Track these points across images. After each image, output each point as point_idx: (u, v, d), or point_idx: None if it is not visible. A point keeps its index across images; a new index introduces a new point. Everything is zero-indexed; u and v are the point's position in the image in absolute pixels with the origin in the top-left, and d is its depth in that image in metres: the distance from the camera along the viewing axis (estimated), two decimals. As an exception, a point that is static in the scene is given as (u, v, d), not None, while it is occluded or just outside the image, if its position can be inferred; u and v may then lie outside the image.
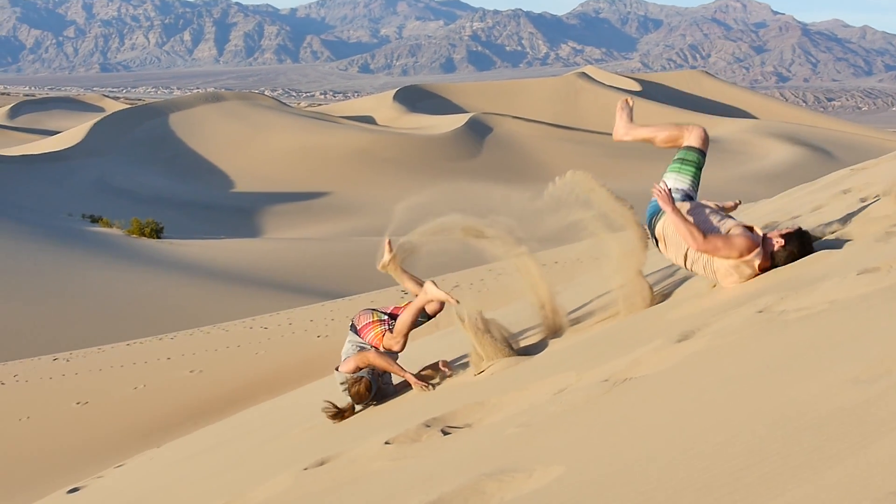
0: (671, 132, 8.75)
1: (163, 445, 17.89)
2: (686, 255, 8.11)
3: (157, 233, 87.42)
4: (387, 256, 10.46)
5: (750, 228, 8.01)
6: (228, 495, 7.86)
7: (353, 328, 10.11)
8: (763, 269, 7.90)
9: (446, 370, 9.51)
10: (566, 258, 36.11)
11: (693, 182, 8.39)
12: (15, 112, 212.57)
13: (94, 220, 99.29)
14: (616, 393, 6.31)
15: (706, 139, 8.53)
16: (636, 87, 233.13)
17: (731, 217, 8.26)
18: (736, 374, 5.53)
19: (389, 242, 10.34)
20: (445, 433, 7.23)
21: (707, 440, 4.47)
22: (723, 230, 7.94)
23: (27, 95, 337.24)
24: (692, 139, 8.49)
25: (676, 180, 8.36)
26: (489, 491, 5.10)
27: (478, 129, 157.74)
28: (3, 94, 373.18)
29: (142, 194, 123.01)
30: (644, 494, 4.06)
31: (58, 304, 60.25)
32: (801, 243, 7.84)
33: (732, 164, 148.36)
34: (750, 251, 7.83)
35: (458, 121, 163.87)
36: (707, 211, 8.19)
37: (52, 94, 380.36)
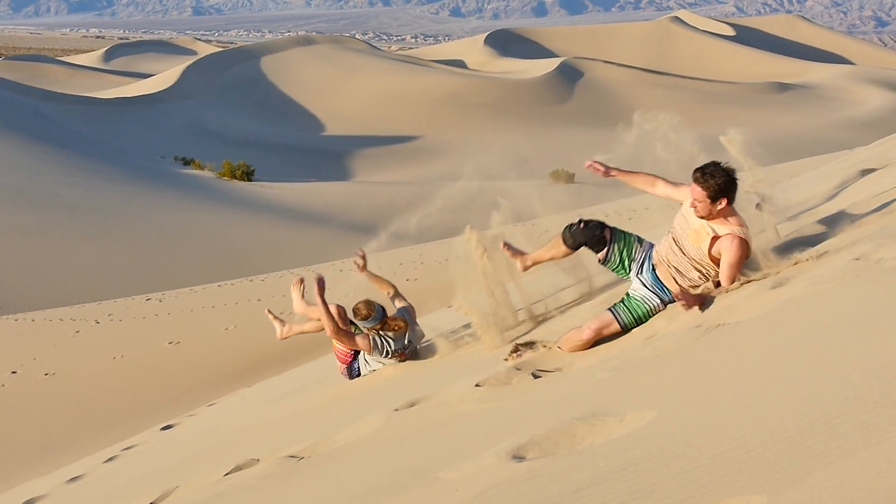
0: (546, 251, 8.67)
1: (253, 385, 18.10)
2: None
3: (247, 175, 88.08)
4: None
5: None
6: (318, 435, 7.93)
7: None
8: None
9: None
10: (638, 207, 35.88)
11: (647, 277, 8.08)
12: (109, 55, 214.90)
13: (186, 162, 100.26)
14: (708, 339, 6.25)
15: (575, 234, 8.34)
16: (730, 31, 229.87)
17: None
18: (831, 322, 5.46)
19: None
20: (536, 377, 7.23)
21: (801, 387, 4.42)
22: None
23: (121, 39, 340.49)
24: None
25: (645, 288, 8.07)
26: (580, 434, 5.10)
27: (569, 74, 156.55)
28: (98, 37, 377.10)
29: (233, 137, 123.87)
30: (737, 441, 4.04)
31: (150, 245, 61.03)
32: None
33: (828, 110, 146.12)
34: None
35: (548, 65, 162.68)
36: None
37: (146, 37, 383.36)
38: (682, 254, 7.77)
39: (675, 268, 7.80)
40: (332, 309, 10.60)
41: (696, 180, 7.49)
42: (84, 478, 12.25)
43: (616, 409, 5.24)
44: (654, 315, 7.78)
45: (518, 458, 5.02)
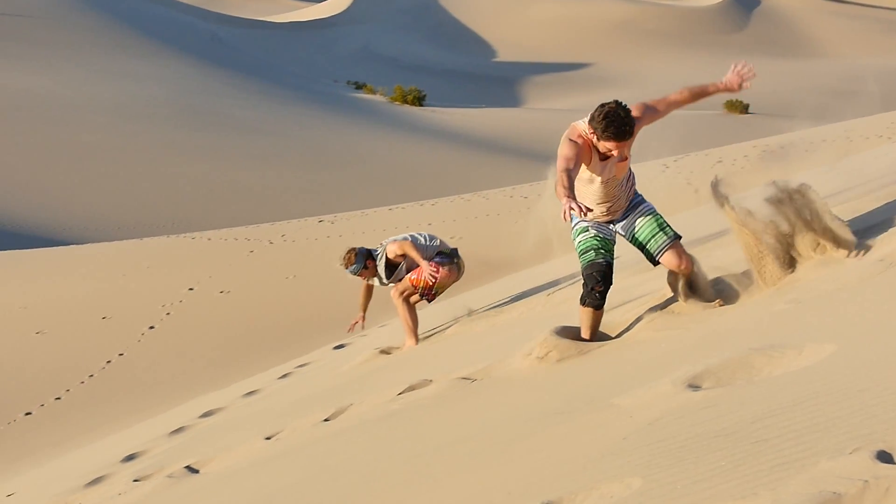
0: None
1: (423, 309, 18.28)
2: None
3: (419, 100, 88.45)
4: None
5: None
6: (490, 359, 7.99)
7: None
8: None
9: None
10: (815, 139, 35.07)
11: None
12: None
13: (359, 86, 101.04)
14: (892, 273, 6.12)
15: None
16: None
17: None
18: None
19: None
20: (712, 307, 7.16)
21: None
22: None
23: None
24: None
25: None
26: (757, 365, 5.06)
27: (744, 1, 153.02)
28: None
29: (405, 62, 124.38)
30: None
31: (323, 168, 61.87)
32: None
33: None
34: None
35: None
36: None
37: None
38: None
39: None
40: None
41: (614, 137, 7.00)
42: (259, 392, 12.57)
43: (794, 341, 5.19)
44: None
45: (693, 386, 5.01)
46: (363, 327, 12.35)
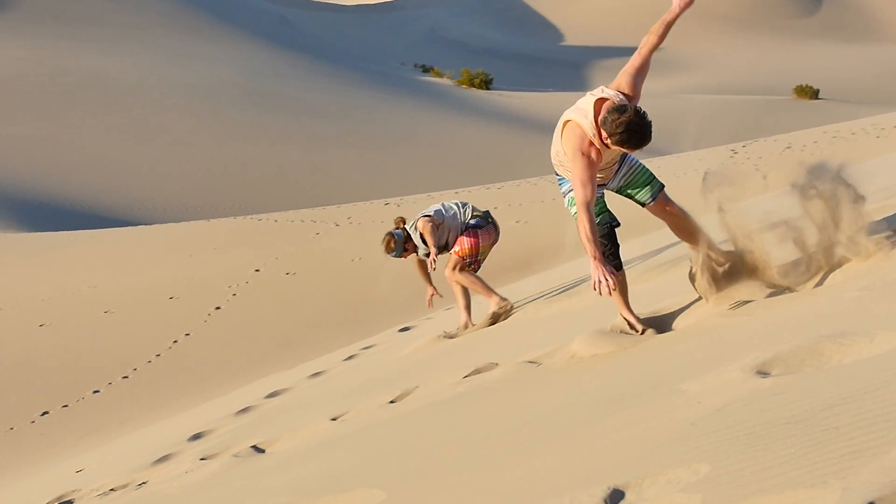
0: None
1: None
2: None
3: (486, 84, 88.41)
4: None
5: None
6: (557, 343, 7.97)
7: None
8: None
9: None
10: (887, 125, 34.70)
11: None
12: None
13: (426, 69, 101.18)
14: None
15: None
16: None
17: None
18: None
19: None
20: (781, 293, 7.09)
21: None
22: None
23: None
24: None
25: None
26: (827, 353, 5.00)
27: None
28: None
29: (472, 45, 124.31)
30: None
31: (389, 151, 62.00)
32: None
33: None
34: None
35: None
36: None
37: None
38: None
39: None
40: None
41: (634, 147, 6.79)
42: (325, 374, 12.63)
43: (866, 329, 5.12)
44: None
45: (762, 373, 4.97)
46: (440, 295, 12.35)
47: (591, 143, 6.94)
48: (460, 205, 11.77)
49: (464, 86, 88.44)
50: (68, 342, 24.97)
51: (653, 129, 6.79)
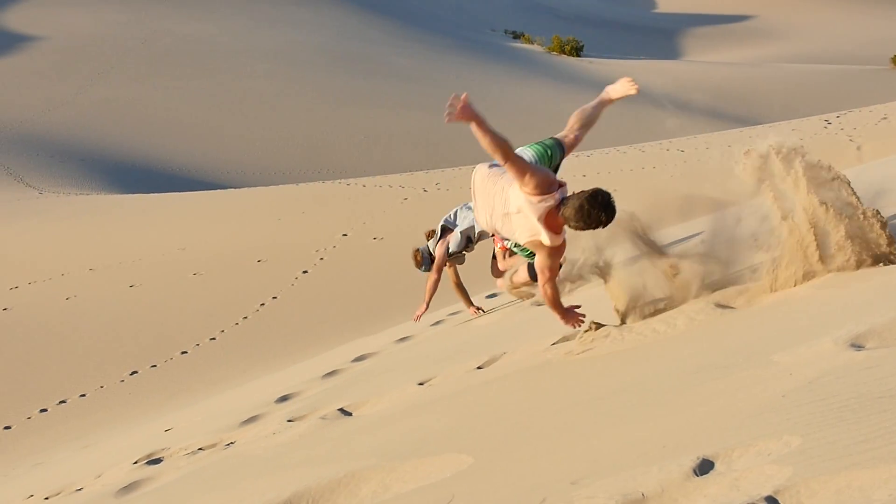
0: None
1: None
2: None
3: (577, 51, 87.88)
4: None
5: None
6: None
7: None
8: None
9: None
10: None
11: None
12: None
13: (516, 36, 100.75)
14: None
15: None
16: None
17: None
18: None
19: None
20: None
21: None
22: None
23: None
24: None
25: None
26: (925, 326, 4.93)
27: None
28: None
29: (563, 12, 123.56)
30: None
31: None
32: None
33: None
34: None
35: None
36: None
37: None
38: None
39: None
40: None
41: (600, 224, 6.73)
42: (412, 339, 12.67)
43: (964, 303, 5.04)
44: None
45: (856, 346, 4.90)
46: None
47: (560, 222, 6.96)
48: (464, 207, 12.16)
49: (554, 53, 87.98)
50: (157, 303, 25.30)
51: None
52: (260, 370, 17.57)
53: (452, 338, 11.52)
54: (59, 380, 19.78)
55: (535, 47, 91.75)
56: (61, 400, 18.65)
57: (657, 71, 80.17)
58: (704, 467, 3.93)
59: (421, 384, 8.22)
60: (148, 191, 50.75)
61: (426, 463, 5.48)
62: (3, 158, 59.57)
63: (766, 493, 3.52)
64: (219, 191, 44.74)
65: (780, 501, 3.47)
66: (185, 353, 20.97)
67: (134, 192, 49.41)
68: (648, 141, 41.89)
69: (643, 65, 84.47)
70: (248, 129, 64.05)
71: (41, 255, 33.74)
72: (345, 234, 30.00)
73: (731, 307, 7.01)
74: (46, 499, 9.31)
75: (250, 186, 48.53)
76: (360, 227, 30.65)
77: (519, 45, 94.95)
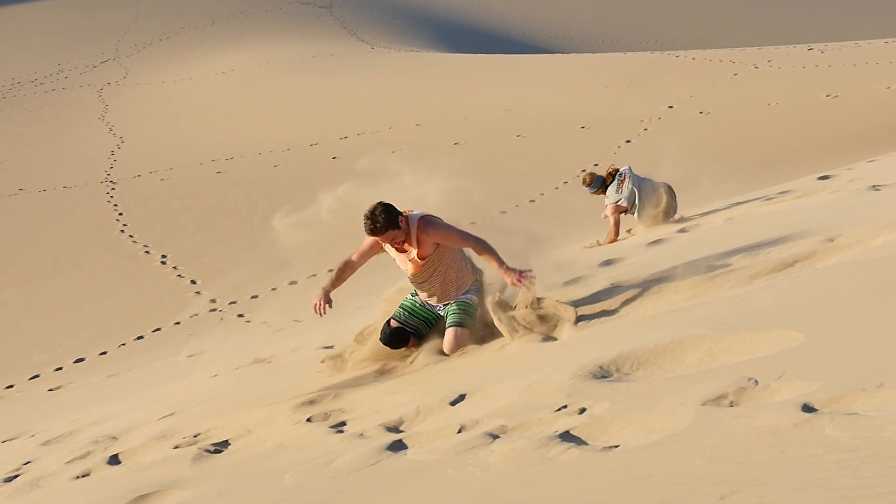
0: None
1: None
2: None
3: None
4: None
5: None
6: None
7: None
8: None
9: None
10: None
11: None
12: None
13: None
14: None
15: None
16: None
17: None
18: None
19: None
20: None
21: None
22: None
23: None
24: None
25: None
26: None
27: None
28: None
29: None
30: None
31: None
32: None
33: None
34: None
35: None
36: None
37: None
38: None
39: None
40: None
41: (372, 233, 7.98)
42: (737, 219, 12.47)
43: None
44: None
45: None
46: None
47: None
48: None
49: None
50: (481, 163, 25.69)
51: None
52: (574, 236, 17.68)
53: (779, 219, 11.25)
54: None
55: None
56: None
57: None
58: None
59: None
60: (475, 51, 51.31)
61: (756, 336, 5.40)
62: (338, 13, 61.32)
63: None
64: (545, 55, 44.78)
65: None
66: (504, 212, 21.28)
67: (461, 52, 50.04)
68: None
69: None
70: (578, -7, 63.79)
71: (370, 109, 34.71)
72: (671, 106, 29.65)
73: None
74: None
75: (577, 52, 48.47)
76: (687, 100, 30.25)
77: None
